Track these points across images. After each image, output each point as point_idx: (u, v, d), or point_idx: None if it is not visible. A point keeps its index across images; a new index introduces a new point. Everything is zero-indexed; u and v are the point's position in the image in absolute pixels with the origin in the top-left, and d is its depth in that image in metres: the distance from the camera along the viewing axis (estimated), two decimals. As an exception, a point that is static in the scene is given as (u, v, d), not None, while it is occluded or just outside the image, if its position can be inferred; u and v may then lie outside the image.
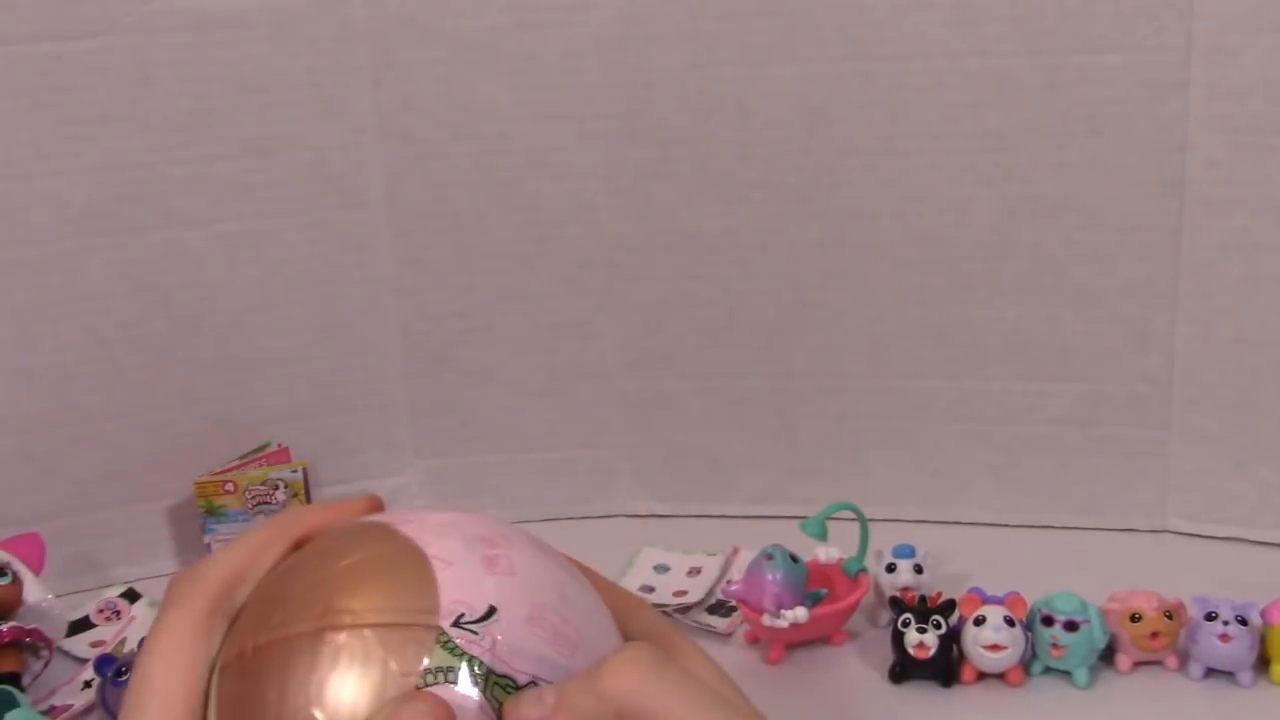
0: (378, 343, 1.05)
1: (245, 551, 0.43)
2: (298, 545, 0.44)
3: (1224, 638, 0.82)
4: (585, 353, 1.06)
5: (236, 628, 0.42)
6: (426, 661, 0.38)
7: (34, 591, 0.91)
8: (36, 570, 0.93)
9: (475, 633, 0.39)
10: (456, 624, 0.39)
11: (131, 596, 0.98)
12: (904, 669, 0.85)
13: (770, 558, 0.86)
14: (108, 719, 0.84)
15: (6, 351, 0.96)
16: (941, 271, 1.00)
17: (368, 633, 0.39)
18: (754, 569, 0.87)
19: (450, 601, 0.40)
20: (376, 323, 1.05)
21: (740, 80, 0.98)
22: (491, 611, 0.40)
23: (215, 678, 0.41)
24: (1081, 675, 0.83)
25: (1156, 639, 0.83)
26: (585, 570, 0.46)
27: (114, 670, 0.83)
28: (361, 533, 0.43)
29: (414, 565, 0.41)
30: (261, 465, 1.01)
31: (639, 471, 1.09)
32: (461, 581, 0.40)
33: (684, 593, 0.96)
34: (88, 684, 0.88)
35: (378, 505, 0.47)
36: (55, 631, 0.91)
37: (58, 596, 0.93)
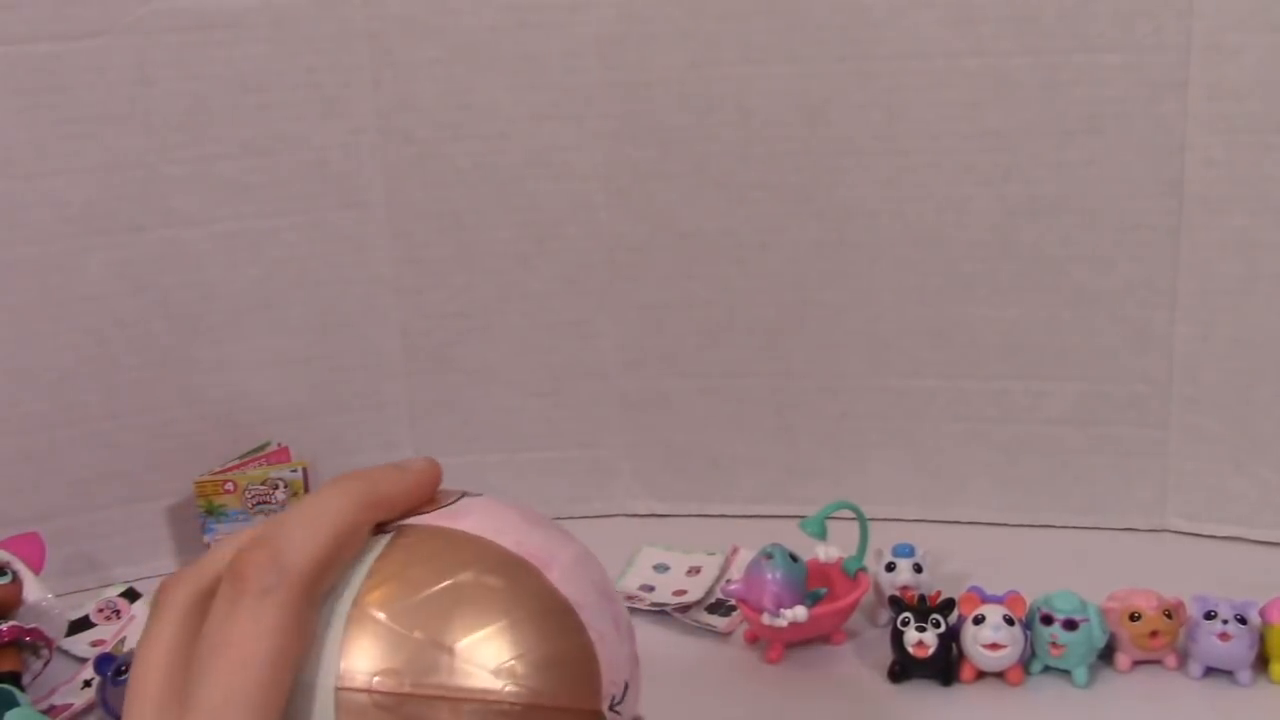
0: (378, 343, 1.05)
1: (333, 536, 0.38)
2: (373, 526, 0.40)
3: (1223, 637, 0.82)
4: (585, 353, 1.06)
5: (379, 639, 0.38)
6: None
7: (34, 591, 0.91)
8: (36, 570, 0.93)
9: (619, 713, 0.40)
10: (611, 707, 0.40)
11: (131, 596, 0.99)
12: (903, 668, 0.85)
13: (770, 557, 0.86)
14: (108, 718, 0.84)
15: (6, 351, 0.96)
16: (941, 271, 1.00)
17: (536, 713, 0.38)
18: (753, 568, 0.87)
19: (607, 683, 0.40)
20: (376, 323, 1.05)
21: (740, 80, 0.98)
22: (627, 688, 0.40)
23: (351, 695, 0.38)
24: (1081, 674, 0.83)
25: (1156, 638, 0.83)
26: None
27: (114, 669, 0.83)
28: (507, 573, 0.41)
29: (578, 641, 0.40)
30: (261, 465, 1.01)
31: (639, 471, 1.09)
32: (611, 660, 0.41)
33: (684, 592, 0.96)
34: (87, 683, 0.88)
35: (438, 472, 0.44)
36: (55, 631, 0.91)
37: (58, 596, 0.93)
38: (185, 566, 0.41)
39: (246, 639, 0.36)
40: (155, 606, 0.40)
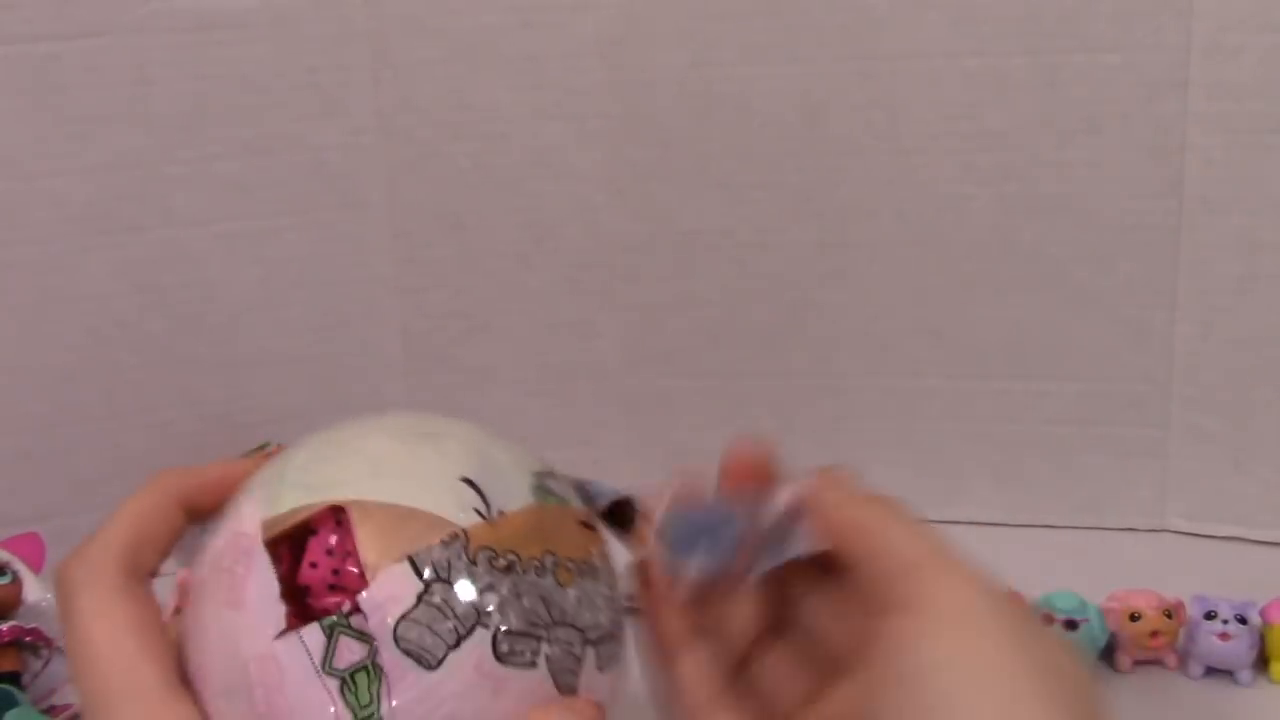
0: (377, 343, 1.05)
1: (129, 520, 0.45)
2: (187, 508, 0.47)
3: (1223, 636, 0.82)
4: (585, 352, 1.06)
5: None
6: None
7: (34, 591, 0.91)
8: (36, 570, 0.92)
9: None
10: None
11: (131, 596, 0.98)
12: (904, 668, 0.85)
13: (770, 557, 0.86)
14: (108, 718, 0.84)
15: (6, 351, 0.96)
16: (940, 271, 1.00)
17: None
18: (754, 568, 0.87)
19: None
20: (376, 323, 1.05)
21: (740, 80, 0.98)
22: None
23: None
24: (1081, 674, 0.83)
25: (1156, 638, 0.83)
26: None
27: (114, 670, 0.83)
28: None
29: None
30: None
31: (639, 471, 1.09)
32: None
33: (684, 592, 0.96)
34: (88, 683, 0.87)
35: (245, 472, 0.49)
36: (55, 631, 0.90)
37: (58, 596, 0.93)
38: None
39: (88, 632, 0.41)
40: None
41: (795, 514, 0.50)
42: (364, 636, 0.43)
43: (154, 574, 0.44)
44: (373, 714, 0.42)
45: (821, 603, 0.46)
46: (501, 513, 0.47)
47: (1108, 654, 0.85)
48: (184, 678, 0.44)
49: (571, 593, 0.46)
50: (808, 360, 1.04)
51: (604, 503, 0.53)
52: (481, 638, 0.43)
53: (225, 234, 1.00)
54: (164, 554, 0.45)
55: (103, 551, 0.43)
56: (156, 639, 0.42)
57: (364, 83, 0.99)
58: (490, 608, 0.44)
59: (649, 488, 0.50)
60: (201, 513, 0.48)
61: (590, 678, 0.46)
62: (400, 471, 0.47)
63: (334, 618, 0.43)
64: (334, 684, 0.42)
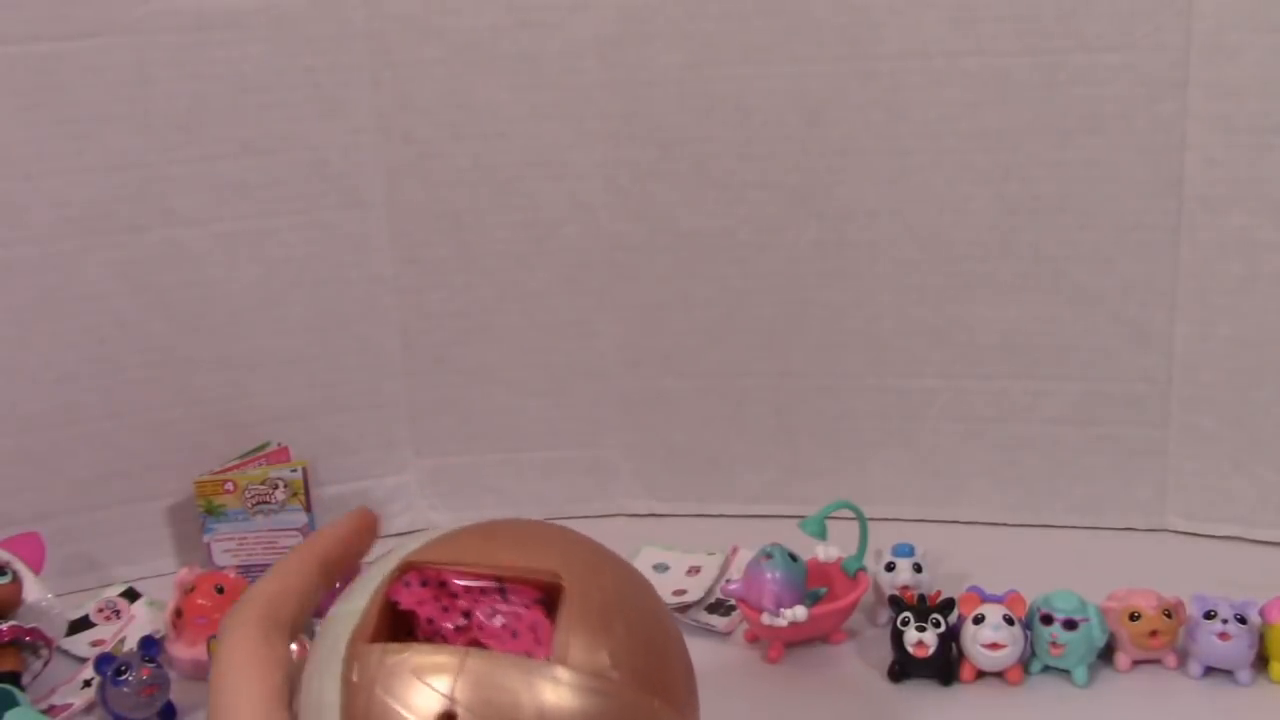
0: (377, 343, 1.05)
1: (279, 575, 0.49)
2: (325, 566, 0.50)
3: (1223, 636, 0.82)
4: (585, 352, 1.06)
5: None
6: None
7: (34, 591, 0.91)
8: (36, 570, 0.93)
9: None
10: None
11: (131, 596, 0.99)
12: (903, 668, 0.85)
13: (769, 556, 0.86)
14: (108, 718, 0.84)
15: (6, 351, 0.96)
16: (940, 270, 1.00)
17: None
18: (753, 568, 0.87)
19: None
20: (376, 323, 1.05)
21: (740, 80, 0.98)
22: None
23: None
24: (1080, 674, 0.83)
25: (1155, 637, 0.83)
26: None
27: (114, 669, 0.83)
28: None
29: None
30: (261, 465, 1.01)
31: (638, 471, 1.09)
32: None
33: (683, 591, 0.96)
34: (87, 683, 0.88)
35: (372, 519, 0.52)
36: (55, 631, 0.91)
37: (57, 596, 0.93)
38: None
39: (229, 667, 0.46)
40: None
41: None
42: None
43: (296, 628, 0.48)
44: None
45: None
46: None
47: (1108, 654, 0.85)
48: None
49: None
50: (808, 360, 1.04)
51: None
52: None
53: (225, 234, 1.00)
54: (305, 609, 0.49)
55: (247, 602, 0.48)
56: (277, 681, 0.46)
57: (364, 83, 0.99)
58: None
59: None
60: (337, 568, 0.52)
61: None
62: None
63: None
64: None
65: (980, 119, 0.96)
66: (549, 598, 0.46)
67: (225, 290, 1.01)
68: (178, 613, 0.91)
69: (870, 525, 0.91)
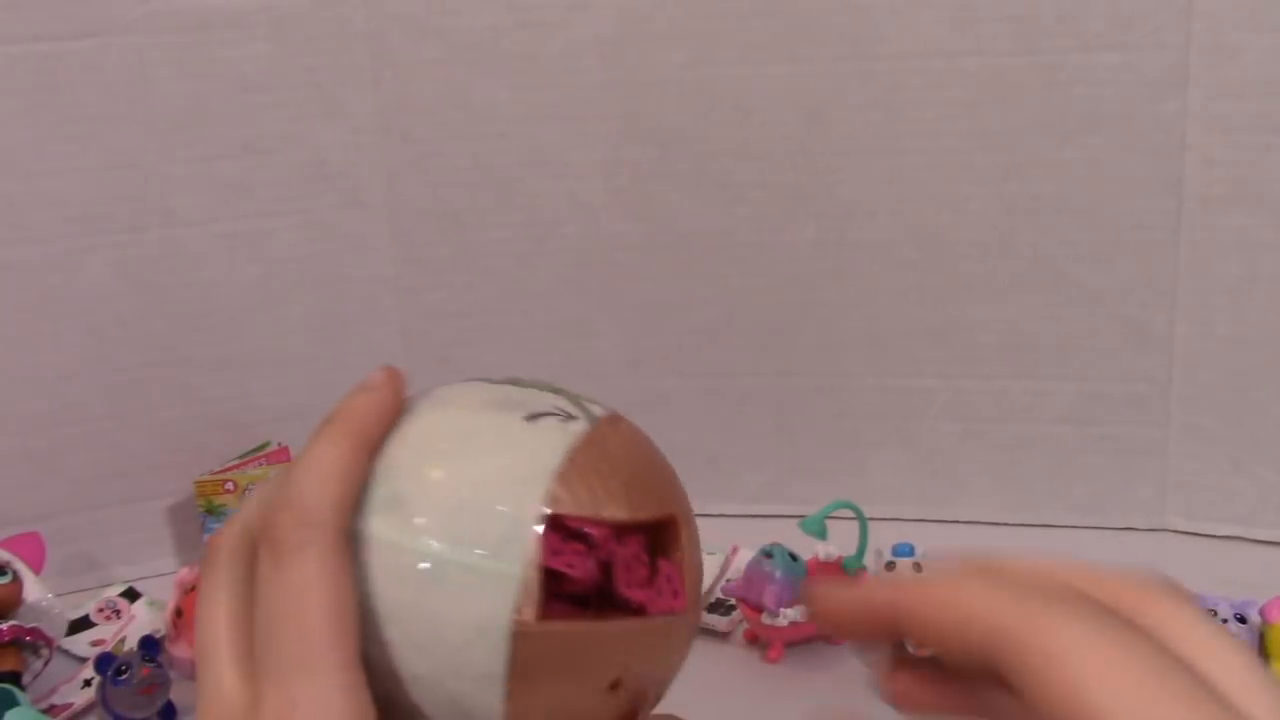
0: (378, 343, 1.05)
1: (343, 479, 0.39)
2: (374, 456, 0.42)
3: (1223, 636, 0.82)
4: (585, 352, 1.06)
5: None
6: None
7: (34, 590, 0.91)
8: (36, 569, 0.93)
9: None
10: None
11: (131, 596, 0.99)
12: (903, 668, 0.85)
13: (769, 556, 0.86)
14: (108, 718, 0.84)
15: (6, 351, 0.96)
16: (940, 270, 1.00)
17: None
18: (753, 567, 0.87)
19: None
20: (376, 323, 1.05)
21: (740, 80, 0.98)
22: None
23: None
24: (1081, 674, 0.83)
25: (1155, 637, 0.83)
26: None
27: (114, 669, 0.83)
28: None
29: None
30: (261, 464, 1.01)
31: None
32: None
33: (683, 592, 0.96)
34: (88, 683, 0.88)
35: (399, 376, 0.45)
36: (55, 630, 0.91)
37: (58, 595, 0.93)
38: (229, 521, 0.42)
39: (299, 596, 0.37)
40: (206, 566, 0.41)
41: None
42: None
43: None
44: None
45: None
46: None
47: (1107, 653, 0.85)
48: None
49: None
50: (808, 360, 1.04)
51: None
52: None
53: (225, 234, 1.00)
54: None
55: (323, 510, 0.38)
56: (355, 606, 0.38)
57: (364, 83, 0.99)
58: None
59: None
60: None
61: None
62: None
63: None
64: None
65: (980, 119, 0.96)
66: (653, 537, 0.45)
67: (225, 290, 1.01)
68: (178, 613, 0.91)
69: (870, 525, 0.91)
